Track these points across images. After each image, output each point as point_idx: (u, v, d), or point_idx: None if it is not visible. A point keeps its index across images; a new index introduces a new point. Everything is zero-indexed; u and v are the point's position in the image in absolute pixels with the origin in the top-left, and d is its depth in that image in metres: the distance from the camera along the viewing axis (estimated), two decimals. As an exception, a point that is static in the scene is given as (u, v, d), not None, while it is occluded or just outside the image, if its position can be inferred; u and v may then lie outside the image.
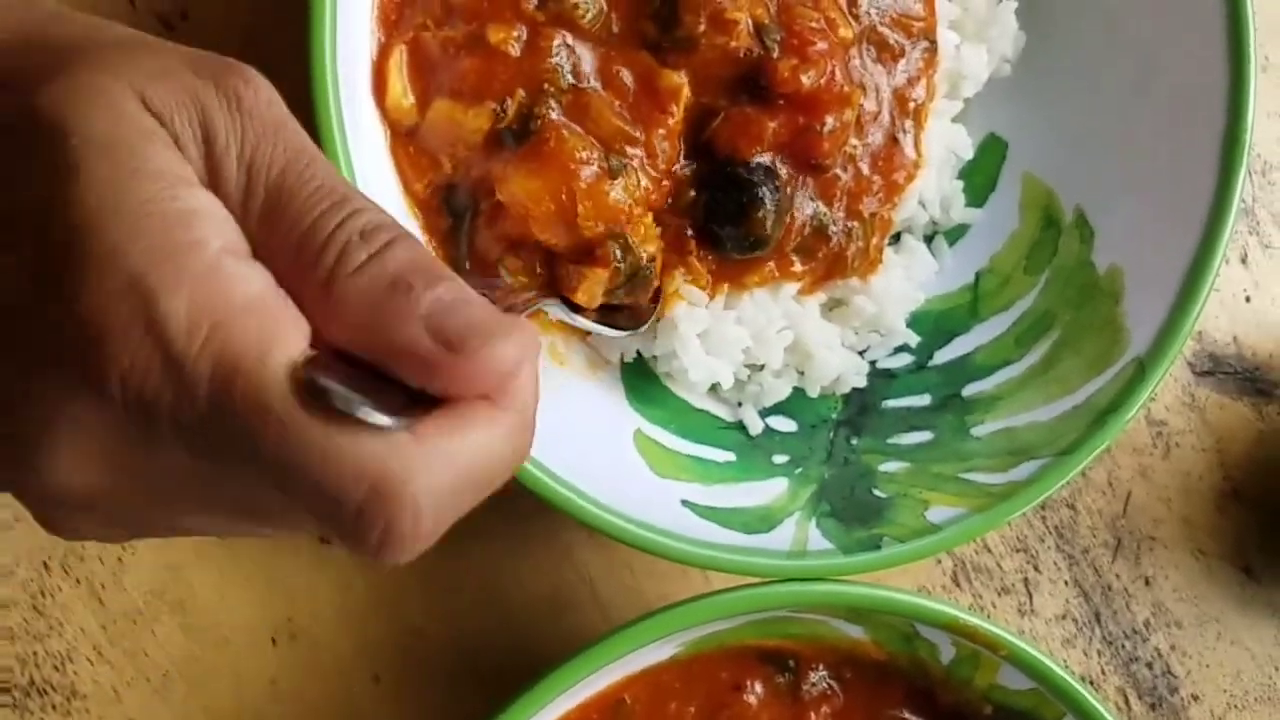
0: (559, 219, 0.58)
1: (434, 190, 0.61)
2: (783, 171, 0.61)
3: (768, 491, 0.64)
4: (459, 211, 0.61)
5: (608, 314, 0.61)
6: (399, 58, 0.60)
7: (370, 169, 0.58)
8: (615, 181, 0.59)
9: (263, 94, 0.37)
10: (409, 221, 0.60)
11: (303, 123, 0.50)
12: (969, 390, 0.68)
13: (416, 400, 0.34)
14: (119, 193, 0.34)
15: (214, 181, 0.36)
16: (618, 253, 0.59)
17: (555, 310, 0.59)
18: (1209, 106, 0.65)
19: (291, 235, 0.36)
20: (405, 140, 0.61)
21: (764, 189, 0.60)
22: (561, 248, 0.59)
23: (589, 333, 0.63)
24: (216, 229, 0.35)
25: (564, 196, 0.58)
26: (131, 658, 0.68)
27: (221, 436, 0.34)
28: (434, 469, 0.34)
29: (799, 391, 0.68)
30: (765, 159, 0.61)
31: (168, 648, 0.68)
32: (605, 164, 0.59)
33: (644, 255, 0.60)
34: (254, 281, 0.35)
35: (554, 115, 0.59)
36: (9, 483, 0.37)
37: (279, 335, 0.34)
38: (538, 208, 0.58)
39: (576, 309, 0.60)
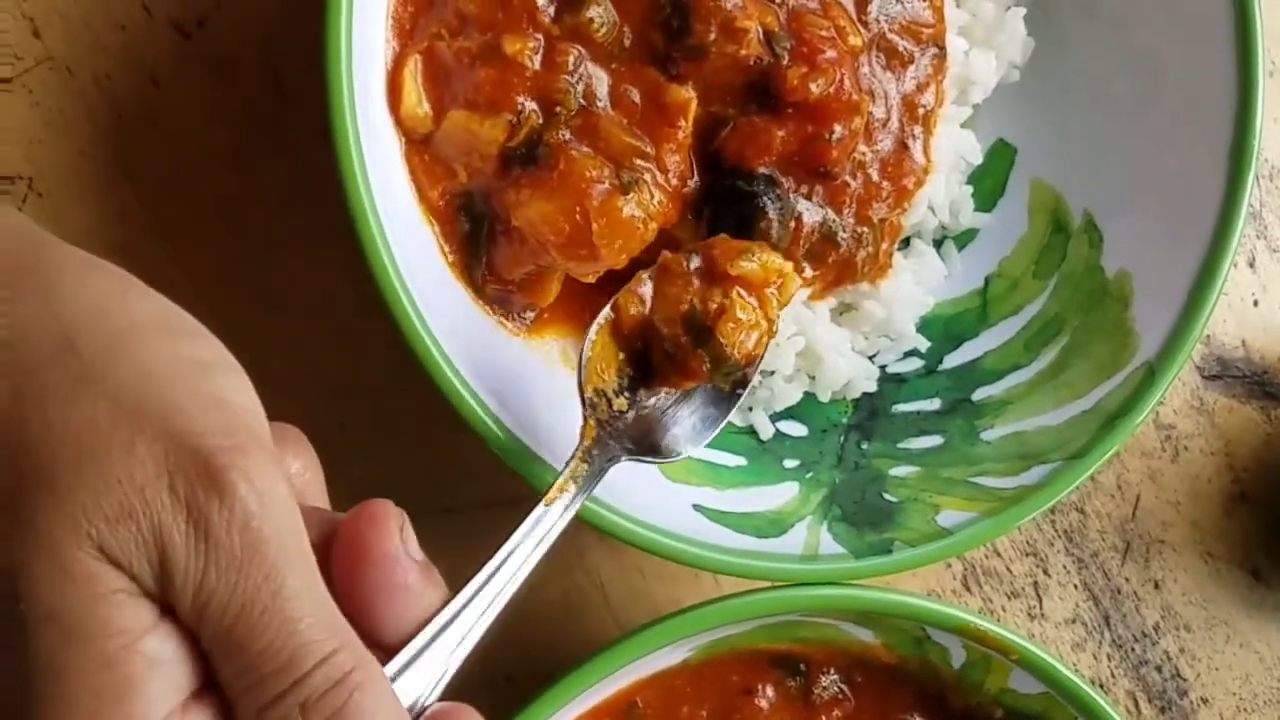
0: (576, 239, 0.58)
1: (449, 199, 0.62)
2: (786, 181, 0.62)
3: (779, 496, 0.64)
4: (477, 218, 0.62)
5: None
6: (414, 67, 0.61)
7: (385, 177, 0.59)
8: (628, 197, 0.59)
9: (237, 518, 0.37)
10: (424, 230, 0.61)
11: (318, 134, 0.51)
12: (978, 395, 0.69)
13: None
14: (61, 666, 0.35)
15: (172, 609, 0.37)
16: (708, 363, 0.57)
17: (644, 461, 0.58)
18: (1217, 112, 0.65)
19: (239, 685, 0.37)
20: (420, 149, 0.61)
21: (766, 199, 0.61)
22: (588, 277, 0.60)
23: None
24: (156, 690, 0.36)
25: (578, 216, 0.58)
26: None
27: None
28: None
29: (809, 396, 0.68)
30: (767, 170, 0.61)
31: None
32: (617, 180, 0.59)
33: (735, 355, 0.58)
34: None
35: (563, 137, 0.59)
36: None
37: None
38: (554, 230, 0.58)
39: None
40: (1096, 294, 0.68)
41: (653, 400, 0.59)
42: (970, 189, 0.71)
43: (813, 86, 0.60)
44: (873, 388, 0.69)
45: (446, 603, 0.46)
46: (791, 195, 0.62)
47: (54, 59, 0.69)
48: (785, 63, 0.61)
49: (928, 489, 0.65)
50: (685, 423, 0.59)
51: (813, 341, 0.66)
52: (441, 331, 0.58)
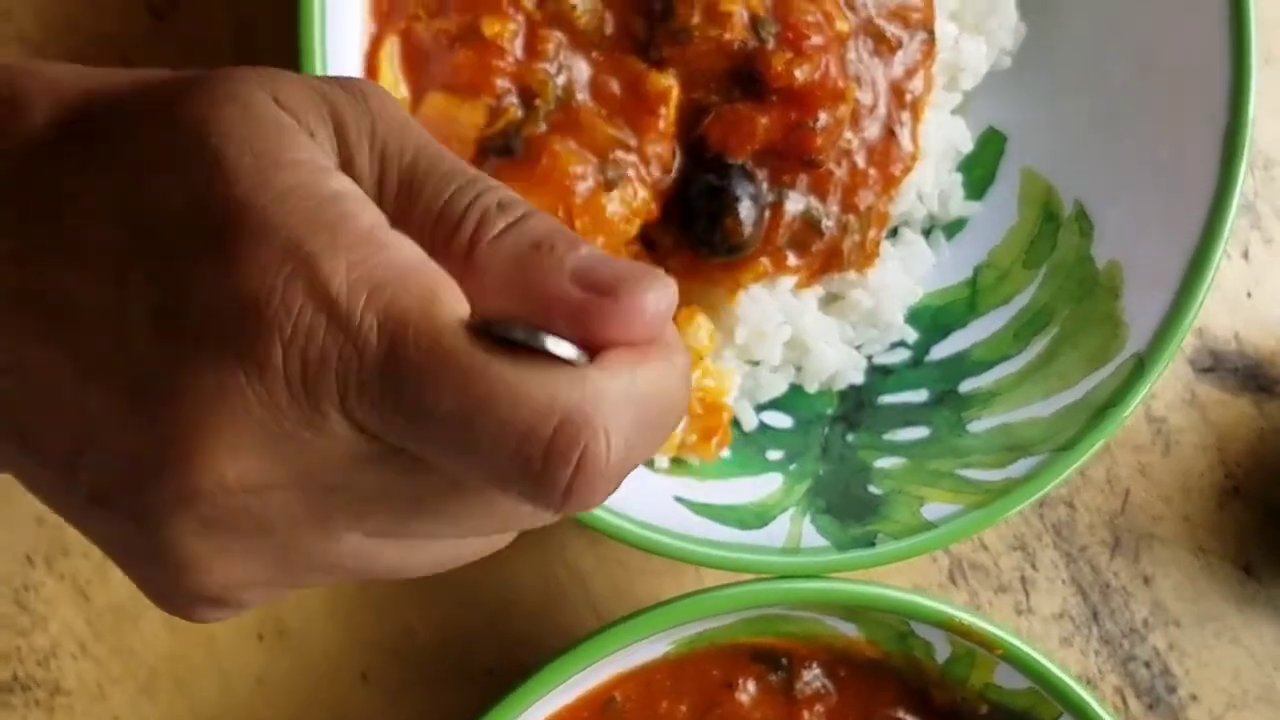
0: None
1: None
2: (760, 174, 0.61)
3: (762, 487, 0.64)
4: None
5: None
6: (391, 49, 0.60)
7: None
8: (612, 194, 0.58)
9: (388, 97, 0.38)
10: None
11: None
12: (966, 386, 0.68)
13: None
14: (264, 180, 0.34)
15: (348, 170, 0.37)
16: None
17: None
18: (1210, 101, 0.65)
19: (429, 214, 0.36)
20: None
21: (739, 192, 0.60)
22: None
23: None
24: (366, 205, 0.35)
25: (560, 213, 0.58)
26: (117, 654, 0.68)
27: (396, 395, 0.32)
28: (622, 402, 0.33)
29: (794, 387, 0.68)
30: (741, 163, 0.61)
31: (153, 644, 0.68)
32: (601, 176, 0.59)
33: None
34: (408, 248, 0.34)
35: (540, 130, 0.59)
36: (139, 512, 0.34)
37: (443, 291, 0.33)
38: None
39: None
40: (1087, 284, 0.67)
41: None
42: (960, 177, 0.70)
43: (798, 73, 0.60)
44: (860, 379, 0.68)
45: None
46: (765, 187, 0.61)
47: (25, 39, 0.68)
48: (770, 48, 0.60)
49: (913, 481, 0.64)
50: None
51: (800, 331, 0.66)
52: None
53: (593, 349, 0.34)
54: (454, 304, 0.33)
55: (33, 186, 0.36)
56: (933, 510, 0.62)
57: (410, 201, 0.37)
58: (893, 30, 0.64)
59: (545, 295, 0.34)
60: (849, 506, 0.63)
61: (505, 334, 0.32)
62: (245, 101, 0.36)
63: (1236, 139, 0.64)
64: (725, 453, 0.65)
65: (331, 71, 0.56)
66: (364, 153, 0.37)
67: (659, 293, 0.34)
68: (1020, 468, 0.63)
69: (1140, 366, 0.63)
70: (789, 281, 0.65)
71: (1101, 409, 0.63)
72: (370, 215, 0.35)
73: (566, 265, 0.34)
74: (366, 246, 0.34)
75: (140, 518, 0.34)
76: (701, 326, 0.63)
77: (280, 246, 0.33)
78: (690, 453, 0.63)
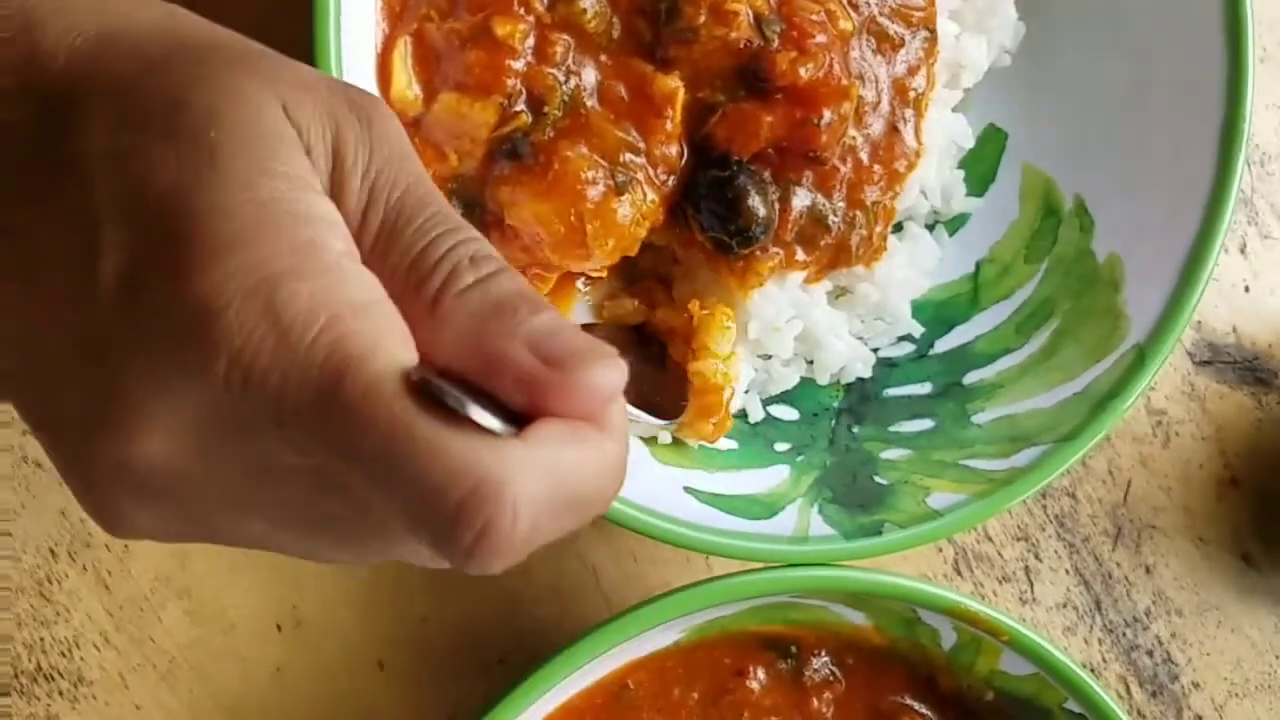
0: (570, 240, 0.59)
1: (440, 183, 0.62)
2: (760, 169, 0.62)
3: (770, 478, 0.65)
4: (469, 205, 0.62)
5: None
6: (403, 49, 0.61)
7: None
8: (622, 198, 0.59)
9: (392, 123, 0.39)
10: None
11: None
12: (970, 378, 0.69)
13: (515, 420, 0.35)
14: (249, 187, 0.35)
15: (336, 194, 0.38)
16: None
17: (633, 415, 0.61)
18: (1208, 97, 0.66)
19: (405, 256, 0.37)
20: (410, 132, 0.60)
21: (743, 178, 0.61)
22: (578, 270, 0.62)
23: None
24: (338, 234, 0.36)
25: (573, 218, 0.59)
26: (138, 644, 0.69)
27: (324, 427, 0.34)
28: (538, 478, 0.33)
29: (801, 380, 0.69)
30: (741, 160, 0.62)
31: (174, 634, 0.69)
32: (612, 181, 0.60)
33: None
34: (368, 286, 0.36)
35: (548, 136, 0.60)
36: (78, 455, 0.37)
37: (392, 338, 0.35)
38: (549, 231, 0.59)
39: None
40: (1087, 278, 0.68)
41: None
42: (962, 173, 0.71)
43: (802, 71, 0.60)
44: (868, 372, 0.69)
45: None
46: (768, 180, 0.62)
47: None
48: (775, 47, 0.61)
49: (918, 471, 0.65)
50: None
51: (811, 325, 0.67)
52: None
53: (530, 418, 0.35)
54: (400, 352, 0.35)
55: (35, 130, 0.37)
56: (938, 500, 0.63)
57: (391, 239, 0.38)
58: (895, 28, 0.65)
59: (497, 356, 0.35)
60: (856, 496, 0.64)
61: (439, 395, 0.33)
62: (257, 105, 0.36)
63: (1234, 135, 0.65)
64: (732, 444, 0.66)
65: (345, 71, 0.57)
66: (356, 180, 0.38)
67: (607, 372, 0.35)
68: (1024, 458, 0.64)
69: (1141, 358, 0.64)
70: (798, 276, 0.66)
71: (1103, 400, 0.64)
72: (340, 245, 0.36)
73: (523, 330, 0.35)
74: (329, 276, 0.35)
75: (75, 462, 0.37)
76: (725, 327, 0.64)
77: (248, 260, 0.34)
78: (687, 432, 0.64)
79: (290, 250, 0.34)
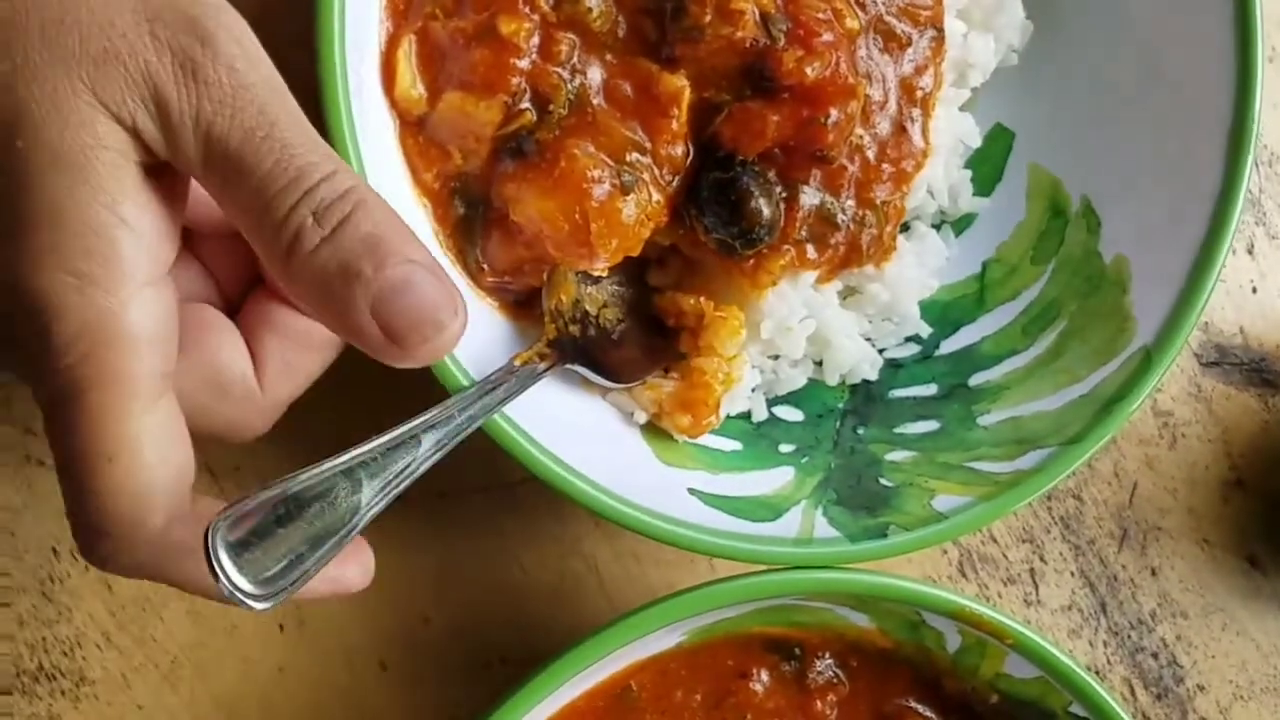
0: (574, 238, 0.59)
1: (444, 181, 0.62)
2: (762, 167, 0.62)
3: (774, 480, 0.65)
4: (472, 202, 0.62)
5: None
6: (408, 47, 0.61)
7: (378, 158, 0.59)
8: (628, 198, 0.60)
9: (222, 58, 0.40)
10: (417, 211, 0.61)
11: (310, 111, 0.51)
12: (975, 380, 0.69)
13: None
14: (54, 205, 0.37)
15: (173, 152, 0.39)
16: None
17: (581, 371, 0.63)
18: (1216, 98, 0.65)
19: (251, 207, 0.40)
20: (415, 130, 0.61)
21: (746, 179, 0.61)
22: (581, 268, 0.62)
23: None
24: (137, 252, 0.39)
25: (577, 216, 0.59)
26: (140, 644, 0.69)
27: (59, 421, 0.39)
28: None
29: (808, 381, 0.69)
30: (746, 160, 0.62)
31: (176, 634, 0.69)
32: (617, 180, 0.60)
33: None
34: (149, 321, 0.39)
35: (553, 135, 0.60)
36: None
37: (145, 378, 0.39)
38: (553, 229, 0.59)
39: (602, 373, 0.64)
40: (1094, 279, 0.68)
41: (602, 327, 0.65)
42: (969, 173, 0.71)
43: (808, 70, 0.60)
44: (874, 375, 0.69)
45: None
46: (777, 182, 0.62)
47: None
48: (781, 45, 0.61)
49: (923, 473, 0.65)
50: (623, 353, 0.65)
51: (822, 325, 0.67)
52: None
53: None
54: (152, 399, 0.40)
55: None
56: (943, 502, 0.63)
57: (234, 191, 0.40)
58: (902, 27, 0.65)
59: (345, 327, 0.40)
60: (861, 498, 0.64)
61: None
62: (60, 107, 0.38)
63: (1242, 135, 0.64)
64: (736, 445, 0.66)
65: (349, 69, 0.57)
66: (187, 133, 0.39)
67: (440, 345, 0.41)
68: (1029, 460, 0.64)
69: (1148, 360, 0.64)
70: (811, 276, 0.66)
71: (1109, 403, 0.64)
72: (141, 265, 0.39)
73: (370, 293, 0.40)
74: (108, 308, 0.38)
75: None
76: (737, 331, 0.64)
77: (31, 285, 0.37)
78: (666, 420, 0.64)
79: (80, 276, 0.39)
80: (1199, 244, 0.65)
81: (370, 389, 0.68)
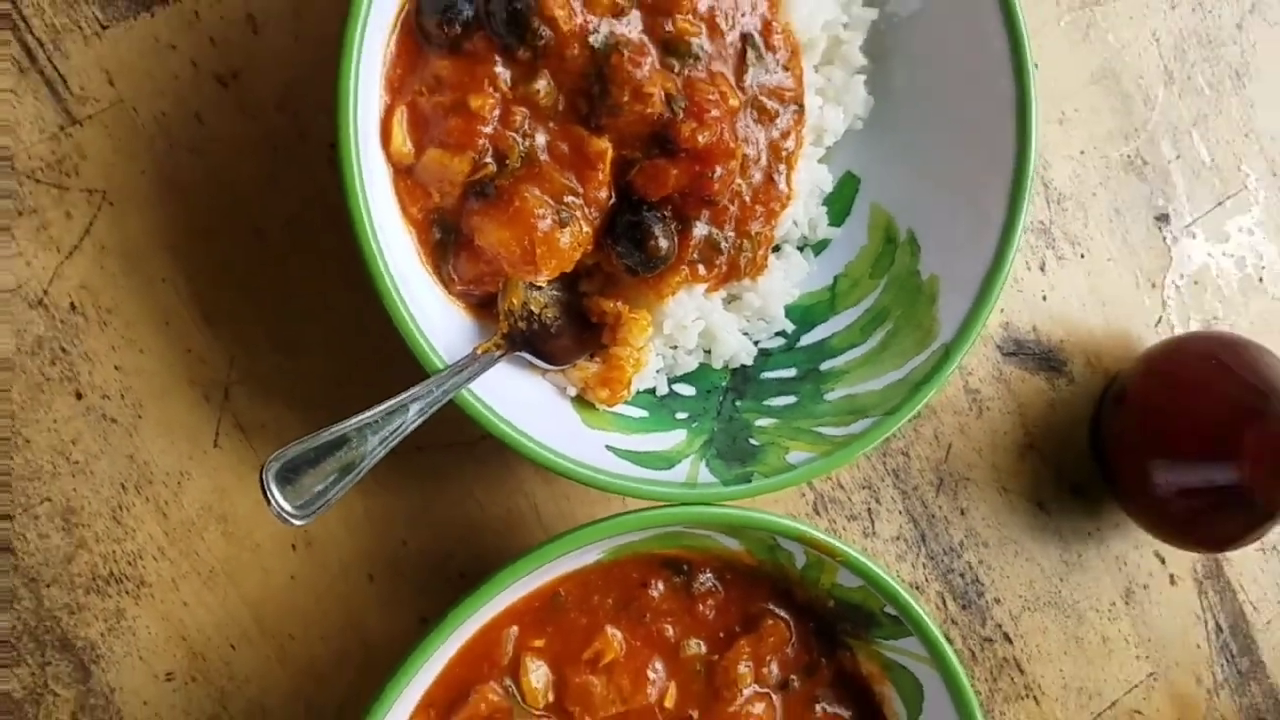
0: (524, 259, 0.74)
1: (426, 214, 0.77)
2: (666, 211, 0.76)
3: (671, 439, 0.80)
4: (447, 230, 0.78)
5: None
6: (401, 115, 0.75)
7: (378, 196, 0.74)
8: (564, 230, 0.74)
9: None
10: (405, 236, 0.76)
11: (330, 162, 0.62)
12: (825, 365, 0.84)
13: None
14: None
15: None
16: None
17: (527, 357, 0.76)
18: (1004, 154, 0.81)
19: None
20: (404, 176, 0.76)
21: (649, 221, 0.75)
22: (528, 280, 0.76)
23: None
24: None
25: (526, 243, 0.74)
26: (186, 556, 0.80)
27: None
28: None
29: (699, 365, 0.84)
30: (652, 205, 0.75)
31: (214, 550, 0.80)
32: (557, 217, 0.74)
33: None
34: None
35: (509, 182, 0.73)
36: None
37: None
38: (507, 251, 0.74)
39: (541, 357, 0.77)
40: (913, 292, 0.83)
41: (544, 323, 0.77)
42: (825, 209, 0.87)
43: (700, 137, 0.76)
44: (749, 360, 0.84)
45: None
46: (674, 220, 0.76)
47: (123, 100, 0.78)
48: (680, 118, 0.76)
49: (782, 435, 0.80)
50: (560, 343, 0.77)
51: (711, 324, 0.82)
52: (417, 310, 0.72)
53: None
54: None
55: None
56: (795, 456, 0.78)
57: None
58: (771, 104, 0.81)
59: None
60: (734, 453, 0.79)
61: None
62: None
63: (1019, 187, 0.80)
64: (644, 413, 0.82)
65: (359, 131, 0.71)
66: None
67: None
68: (859, 426, 0.79)
69: (946, 354, 0.80)
70: (701, 288, 0.81)
71: (917, 385, 0.80)
72: None
73: None
74: None
75: None
76: (645, 328, 0.78)
77: None
78: (590, 393, 0.78)
79: None
80: (986, 270, 0.80)
81: (372, 370, 0.82)
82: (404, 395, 0.68)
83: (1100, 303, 0.93)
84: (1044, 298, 0.94)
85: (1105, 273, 0.94)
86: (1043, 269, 0.94)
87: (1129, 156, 0.95)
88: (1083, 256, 0.94)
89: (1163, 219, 0.95)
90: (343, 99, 0.71)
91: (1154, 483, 0.86)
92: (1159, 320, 0.95)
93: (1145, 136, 0.95)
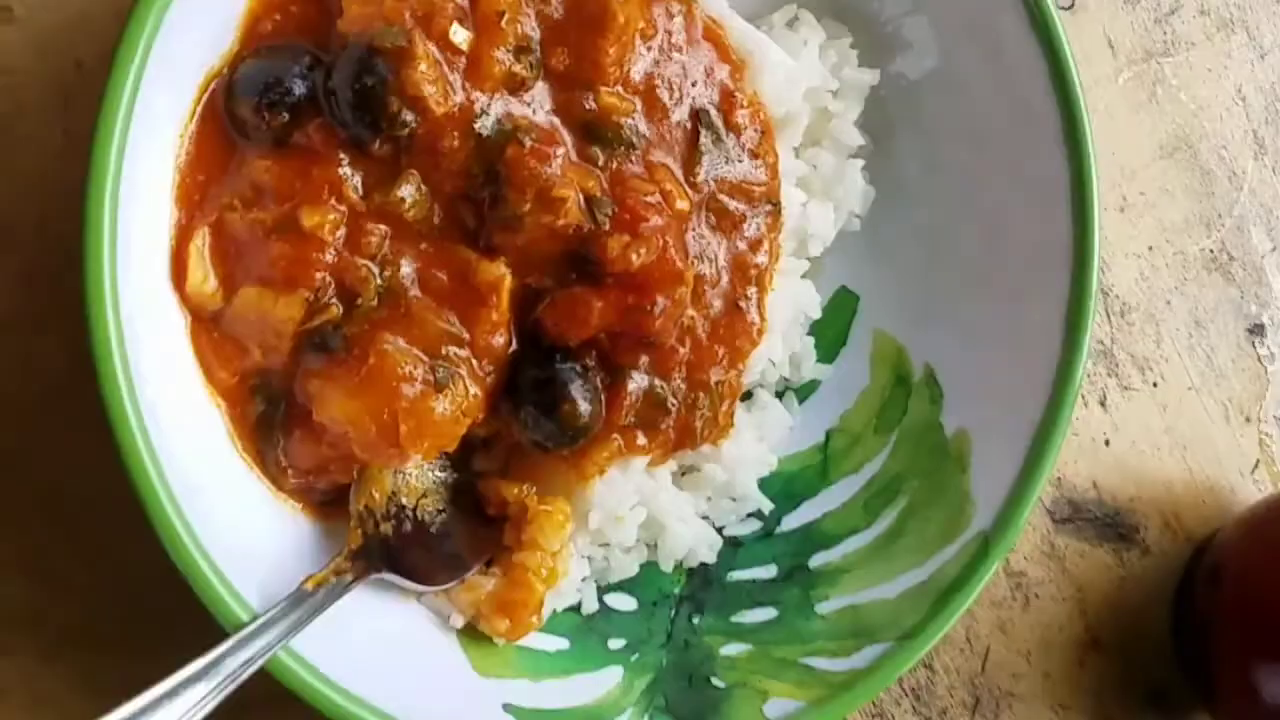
0: (383, 439, 0.57)
1: (242, 377, 0.59)
2: (590, 360, 0.60)
3: (601, 684, 0.63)
4: (273, 398, 0.59)
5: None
6: (201, 240, 0.58)
7: (162, 359, 0.56)
8: (441, 396, 0.57)
9: None
10: (210, 412, 0.58)
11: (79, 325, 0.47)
12: (816, 561, 0.68)
13: None
14: None
15: None
16: None
17: (391, 579, 0.61)
18: (1055, 265, 0.65)
19: None
20: (209, 326, 0.59)
21: (564, 378, 0.59)
22: (387, 463, 0.60)
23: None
24: None
25: (386, 417, 0.57)
26: None
27: None
28: None
29: (641, 567, 0.67)
30: (571, 347, 0.60)
31: None
32: (431, 377, 0.57)
33: None
34: None
35: (363, 329, 0.58)
36: None
37: None
38: (359, 430, 0.57)
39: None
40: (936, 454, 0.67)
41: (420, 521, 0.63)
42: (811, 340, 0.71)
43: (634, 256, 0.59)
44: (712, 557, 0.68)
45: None
46: (599, 372, 0.61)
47: None
48: (606, 230, 0.59)
49: (758, 671, 0.64)
50: (442, 550, 0.63)
51: (655, 511, 0.65)
52: (209, 529, 0.55)
53: None
54: None
55: None
56: (775, 708, 0.62)
57: None
58: (735, 205, 0.63)
59: None
60: (690, 704, 0.62)
61: None
62: None
63: (1081, 306, 0.64)
64: (563, 643, 0.64)
65: (128, 266, 0.53)
66: None
67: None
68: (864, 657, 0.63)
69: (985, 547, 0.64)
70: (642, 461, 0.64)
71: (946, 593, 0.63)
72: None
73: None
74: None
75: None
76: (562, 524, 0.62)
77: None
78: (484, 623, 0.62)
79: None
80: (1038, 424, 0.64)
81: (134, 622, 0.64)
82: (172, 679, 0.48)
83: (1180, 446, 0.84)
84: (1106, 442, 0.82)
85: (1185, 406, 0.84)
86: (1103, 404, 0.81)
87: (1211, 251, 0.86)
88: (1155, 385, 0.83)
89: (1257, 331, 0.86)
90: (94, 223, 0.53)
91: (1262, 691, 0.76)
92: (1255, 465, 0.86)
93: (1231, 224, 0.86)
